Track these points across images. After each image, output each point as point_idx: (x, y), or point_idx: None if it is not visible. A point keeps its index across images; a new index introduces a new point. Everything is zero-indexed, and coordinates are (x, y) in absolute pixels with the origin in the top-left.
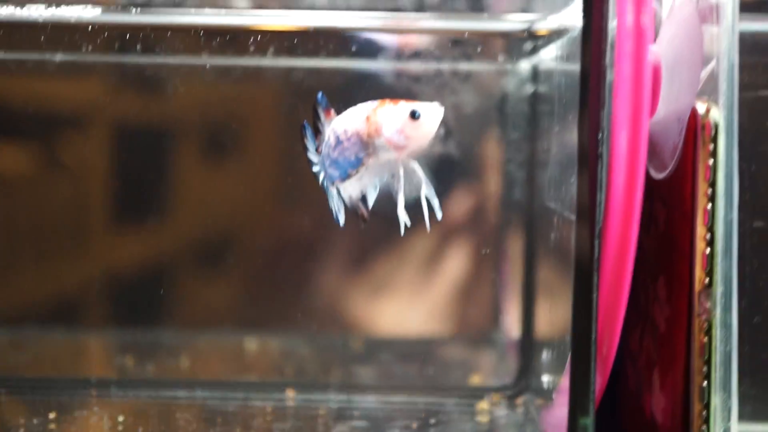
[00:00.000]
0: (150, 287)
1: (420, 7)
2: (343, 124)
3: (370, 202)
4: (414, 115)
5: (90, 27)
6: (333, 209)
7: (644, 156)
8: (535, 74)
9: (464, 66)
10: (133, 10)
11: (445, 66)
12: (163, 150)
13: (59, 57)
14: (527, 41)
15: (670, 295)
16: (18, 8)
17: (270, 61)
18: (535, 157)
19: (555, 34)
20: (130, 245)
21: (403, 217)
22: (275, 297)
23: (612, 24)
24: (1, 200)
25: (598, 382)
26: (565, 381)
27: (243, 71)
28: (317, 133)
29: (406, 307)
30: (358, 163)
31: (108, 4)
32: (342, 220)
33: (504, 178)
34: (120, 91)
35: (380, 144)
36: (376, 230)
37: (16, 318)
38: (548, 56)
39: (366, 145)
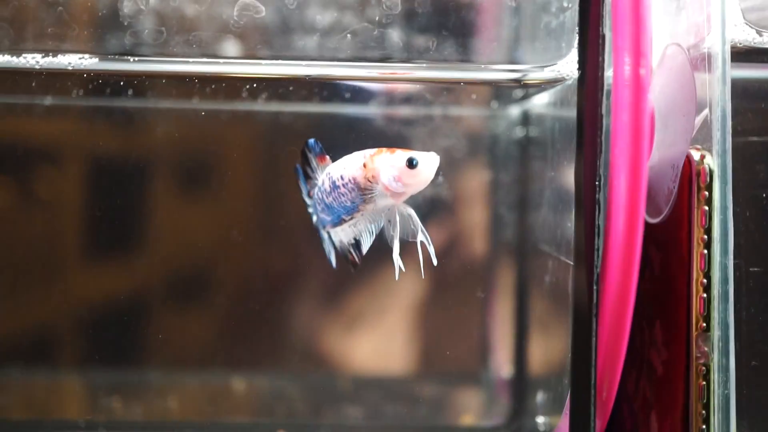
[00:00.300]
0: (126, 324)
1: (409, 51)
2: (339, 170)
3: (365, 248)
4: (411, 163)
5: (71, 72)
6: (325, 251)
7: (644, 202)
8: (526, 119)
9: (454, 111)
10: (131, 59)
11: (437, 111)
12: (141, 187)
13: (34, 98)
14: (519, 89)
15: (667, 339)
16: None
17: (253, 106)
18: (527, 199)
19: (548, 83)
20: (106, 280)
21: (398, 262)
22: (254, 334)
23: (608, 73)
24: None
25: (598, 425)
26: (562, 423)
27: (227, 114)
28: (307, 177)
29: (390, 345)
30: (354, 209)
31: (85, 52)
32: (334, 262)
33: (494, 219)
34: (96, 128)
35: (378, 190)
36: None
37: None
38: (540, 102)
39: (362, 191)
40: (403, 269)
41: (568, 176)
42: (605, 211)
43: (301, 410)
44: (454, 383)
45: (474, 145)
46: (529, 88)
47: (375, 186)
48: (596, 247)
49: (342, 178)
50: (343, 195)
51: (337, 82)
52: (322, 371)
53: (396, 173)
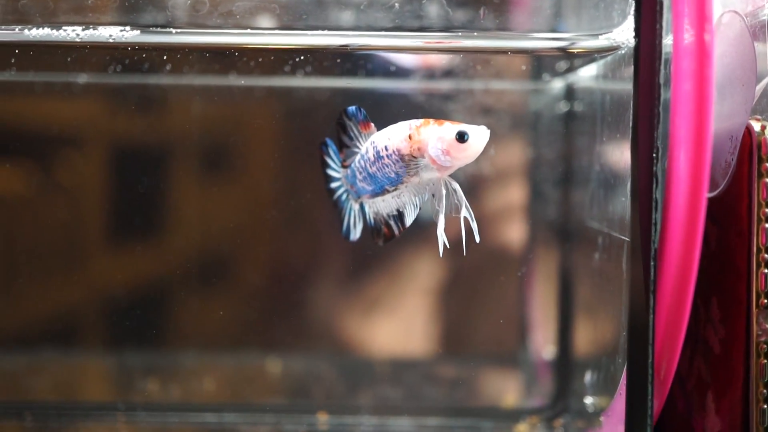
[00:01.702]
0: (148, 308)
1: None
2: (383, 140)
3: (409, 221)
4: (462, 137)
5: (88, 47)
6: (345, 224)
7: (708, 174)
8: (571, 92)
9: (496, 84)
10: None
11: (477, 84)
12: (162, 170)
13: (54, 77)
14: (563, 60)
15: (725, 316)
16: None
17: (290, 81)
18: (571, 175)
19: (602, 52)
20: (127, 265)
21: (443, 238)
22: (283, 317)
23: (665, 41)
24: None
25: (655, 405)
26: (616, 403)
27: (263, 91)
28: (343, 146)
29: (425, 327)
30: (398, 180)
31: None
32: (355, 236)
33: (537, 195)
34: (117, 110)
35: (423, 163)
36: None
37: (19, 340)
38: (587, 74)
39: (407, 163)
40: (447, 245)
41: (620, 150)
42: (663, 185)
43: (339, 391)
44: (494, 364)
45: (518, 120)
46: (575, 60)
47: (420, 159)
48: (654, 221)
49: (386, 148)
50: (387, 166)
51: (377, 53)
52: (355, 354)
53: (444, 146)
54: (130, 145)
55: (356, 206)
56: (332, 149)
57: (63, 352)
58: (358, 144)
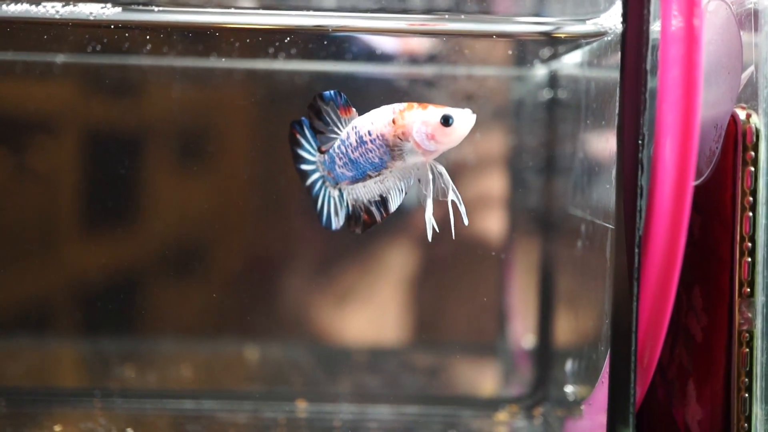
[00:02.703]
0: (123, 294)
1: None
2: (366, 125)
3: (393, 206)
4: (447, 121)
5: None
6: (326, 213)
7: (695, 162)
8: (553, 79)
9: (479, 71)
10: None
11: (461, 70)
12: (139, 154)
13: (26, 57)
14: (546, 46)
15: (707, 304)
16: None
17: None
18: (554, 163)
19: (582, 39)
20: (101, 252)
21: (431, 222)
22: (257, 305)
23: (654, 27)
24: None
25: (638, 393)
26: (597, 391)
27: (243, 73)
28: (317, 132)
29: (403, 316)
30: (381, 165)
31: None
32: (338, 225)
33: (516, 183)
34: (91, 94)
35: (408, 147)
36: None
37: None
38: (570, 61)
39: (392, 148)
40: (437, 229)
41: (604, 138)
42: (649, 172)
43: (317, 379)
44: (472, 353)
45: (502, 106)
46: (559, 46)
47: (405, 143)
48: (638, 208)
49: (369, 133)
50: (370, 151)
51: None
52: (332, 342)
53: (429, 130)
54: (106, 129)
55: (335, 193)
56: (308, 131)
57: (38, 338)
58: (336, 129)
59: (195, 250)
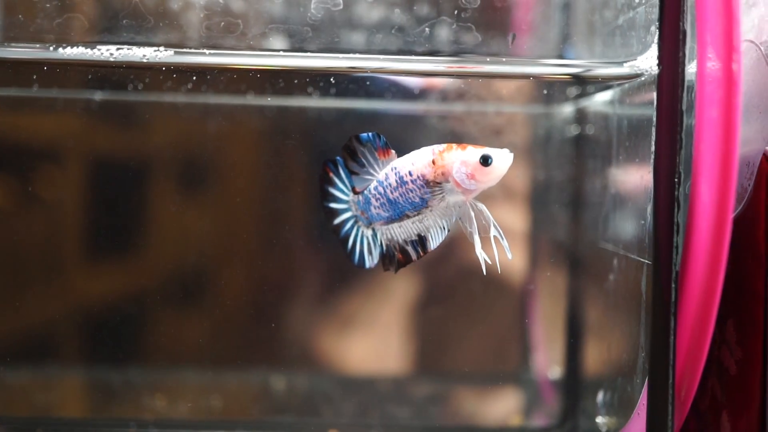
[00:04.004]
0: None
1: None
2: (406, 166)
3: (434, 244)
4: (486, 161)
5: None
6: (358, 252)
7: (733, 201)
8: (581, 117)
9: (508, 108)
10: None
11: (490, 108)
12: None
13: (36, 92)
14: (574, 86)
15: (741, 338)
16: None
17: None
18: (582, 198)
19: (626, 79)
20: (105, 279)
21: (483, 256)
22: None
23: (690, 69)
24: None
25: (676, 425)
26: (632, 423)
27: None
28: (351, 173)
29: (429, 346)
30: (422, 205)
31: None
32: (372, 263)
33: (543, 217)
34: (96, 125)
35: (447, 187)
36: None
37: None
38: (600, 99)
39: (432, 188)
40: (489, 262)
41: (638, 174)
42: (686, 208)
43: (348, 410)
44: (498, 384)
45: (529, 142)
46: (589, 86)
47: (445, 183)
48: (675, 244)
49: (410, 174)
50: (411, 191)
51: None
52: (346, 371)
53: (469, 170)
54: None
55: (368, 232)
56: (343, 171)
57: (39, 367)
58: (371, 170)
59: (197, 279)
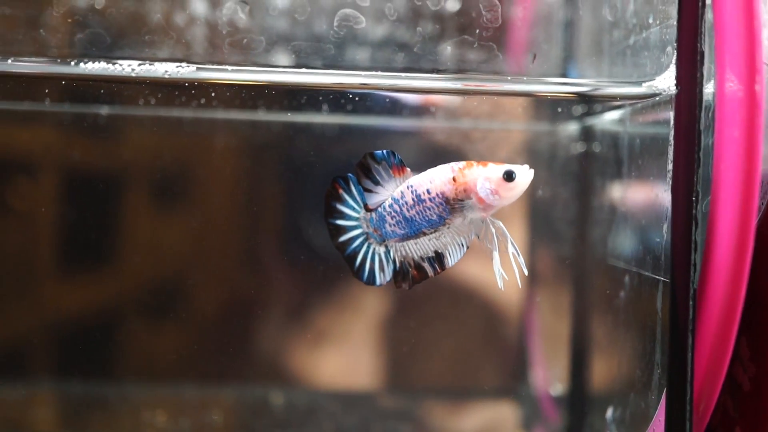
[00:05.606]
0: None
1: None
2: (424, 183)
3: (452, 261)
4: (510, 177)
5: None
6: (368, 269)
7: (755, 220)
8: (588, 135)
9: (516, 125)
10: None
11: (498, 125)
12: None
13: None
14: (580, 104)
15: (754, 354)
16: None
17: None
18: (588, 214)
19: (643, 98)
20: (79, 292)
21: (501, 271)
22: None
23: (707, 89)
24: None
25: None
26: None
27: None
28: (364, 190)
29: (427, 361)
30: (440, 222)
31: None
32: (383, 281)
33: (553, 233)
34: (71, 138)
35: (468, 204)
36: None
37: None
38: (609, 118)
39: (452, 205)
40: (507, 278)
41: (653, 193)
42: (703, 227)
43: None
44: (499, 399)
45: (539, 159)
46: (597, 105)
47: (466, 200)
48: (692, 262)
49: (428, 192)
50: (428, 209)
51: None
52: (359, 386)
53: (492, 186)
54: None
55: (381, 249)
56: (355, 188)
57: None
58: (384, 188)
59: (170, 292)
